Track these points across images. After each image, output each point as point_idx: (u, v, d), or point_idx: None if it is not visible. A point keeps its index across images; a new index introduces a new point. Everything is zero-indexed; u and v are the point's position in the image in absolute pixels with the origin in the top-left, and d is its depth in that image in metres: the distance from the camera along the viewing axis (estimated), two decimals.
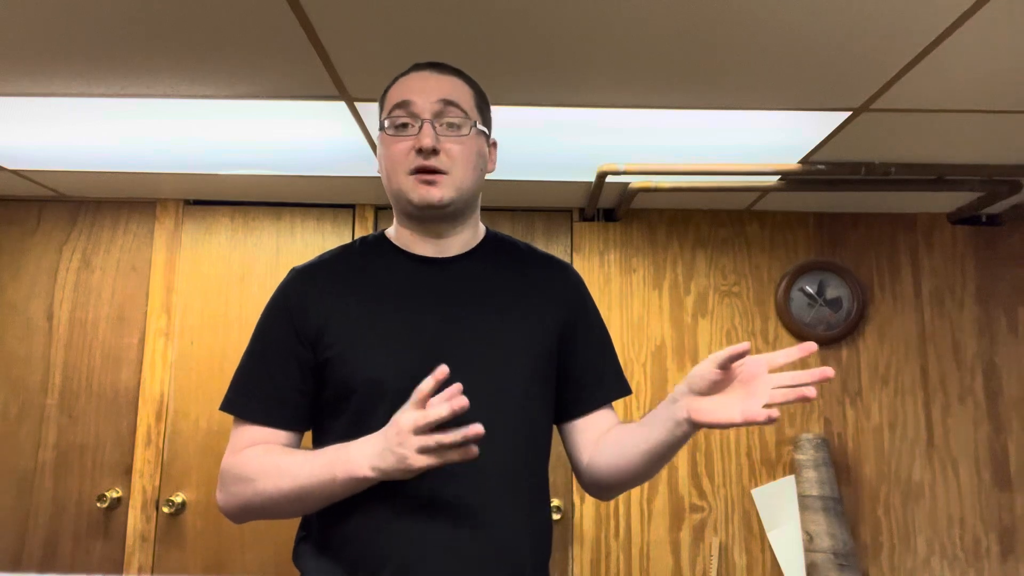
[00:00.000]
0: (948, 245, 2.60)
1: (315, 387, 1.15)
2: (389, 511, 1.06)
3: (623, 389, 1.27)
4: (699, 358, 2.54)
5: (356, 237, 2.58)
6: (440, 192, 1.11)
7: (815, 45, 1.45)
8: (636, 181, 2.28)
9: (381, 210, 2.66)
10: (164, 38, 1.46)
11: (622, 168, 2.14)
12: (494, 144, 1.26)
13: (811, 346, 0.96)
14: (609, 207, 2.61)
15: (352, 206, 2.65)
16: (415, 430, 0.95)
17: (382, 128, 1.16)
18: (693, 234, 2.62)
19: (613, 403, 1.27)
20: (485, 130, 1.20)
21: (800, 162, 2.13)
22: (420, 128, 1.11)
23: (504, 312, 1.17)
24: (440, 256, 1.19)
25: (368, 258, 1.21)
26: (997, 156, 2.06)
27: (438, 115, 1.12)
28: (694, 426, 1.01)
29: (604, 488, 1.21)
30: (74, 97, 1.75)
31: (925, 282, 2.58)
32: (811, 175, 2.17)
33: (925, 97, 1.68)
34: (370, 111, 1.82)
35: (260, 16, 1.37)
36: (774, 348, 2.55)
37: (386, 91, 1.20)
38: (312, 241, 2.63)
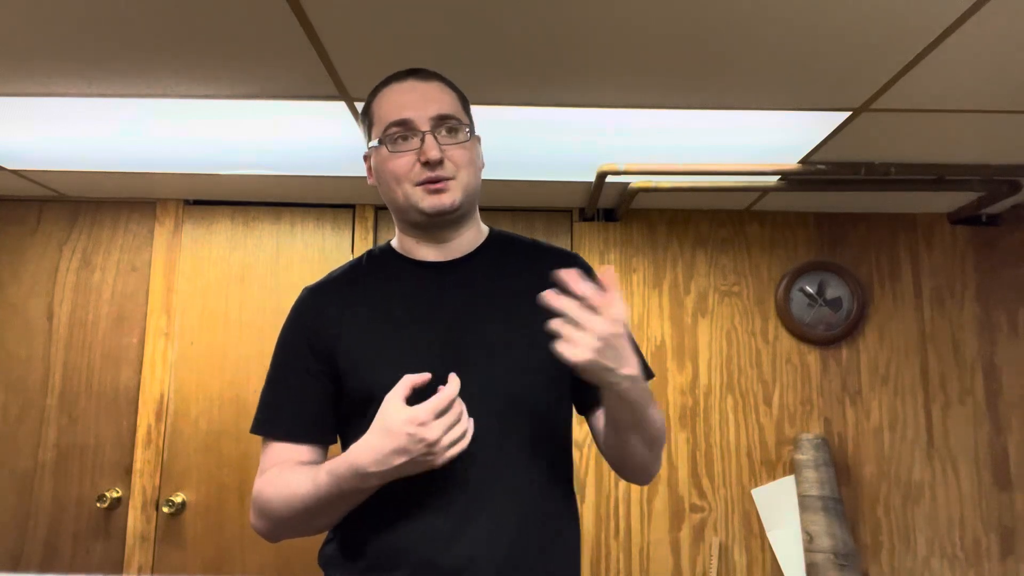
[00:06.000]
0: (948, 245, 2.60)
1: (336, 399, 1.18)
2: (406, 508, 1.08)
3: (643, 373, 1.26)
4: (699, 358, 2.54)
5: (354, 238, 2.61)
6: (451, 197, 1.14)
7: (815, 45, 1.45)
8: (636, 181, 2.28)
9: (381, 210, 2.66)
10: (164, 38, 1.46)
11: (622, 168, 2.14)
12: (478, 139, 1.27)
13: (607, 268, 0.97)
14: (609, 207, 2.61)
15: (352, 206, 2.65)
16: (444, 429, 0.99)
17: (378, 144, 1.17)
18: (693, 234, 2.62)
19: None
20: (477, 134, 1.22)
21: (800, 162, 2.13)
22: (422, 140, 1.13)
23: (513, 309, 1.18)
24: (445, 260, 1.21)
25: (376, 271, 1.24)
26: (997, 156, 2.06)
27: (436, 125, 1.14)
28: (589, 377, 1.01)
29: (620, 470, 1.22)
30: (74, 97, 1.75)
31: (925, 282, 2.58)
32: (811, 175, 2.17)
33: (925, 97, 1.68)
34: None
35: (260, 16, 1.37)
36: (774, 348, 2.55)
37: (369, 106, 1.21)
38: (312, 241, 2.63)
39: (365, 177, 2.33)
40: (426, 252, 1.21)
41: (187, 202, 2.65)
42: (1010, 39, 1.41)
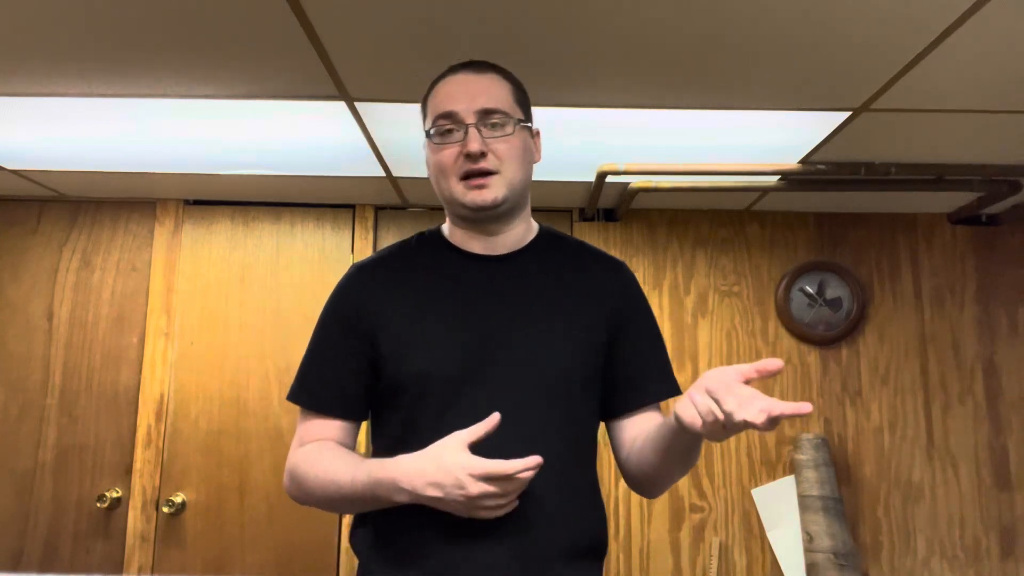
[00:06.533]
0: (948, 245, 2.60)
1: (373, 379, 1.19)
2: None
3: (671, 390, 1.26)
4: (699, 358, 2.54)
5: (354, 238, 2.60)
6: (492, 193, 1.14)
7: (815, 45, 1.45)
8: (636, 181, 2.28)
9: (381, 210, 2.66)
10: (164, 38, 1.46)
11: (622, 168, 2.14)
12: (537, 133, 1.27)
13: (776, 363, 0.92)
14: (609, 207, 2.61)
15: (352, 206, 2.65)
16: (485, 494, 0.99)
17: (428, 136, 1.18)
18: (693, 234, 2.62)
19: (661, 404, 1.26)
20: (528, 124, 1.22)
21: (800, 162, 2.13)
22: (465, 133, 1.13)
23: (552, 310, 1.19)
24: (492, 253, 1.22)
25: (423, 255, 1.25)
26: (997, 156, 2.06)
27: (481, 119, 1.14)
28: (680, 422, 0.98)
29: (640, 485, 1.22)
30: (74, 97, 1.75)
31: (925, 282, 2.58)
32: (811, 175, 2.17)
33: (925, 97, 1.68)
34: (370, 111, 1.82)
35: (260, 16, 1.37)
36: (774, 348, 2.55)
37: (426, 98, 1.22)
38: (312, 241, 2.63)
39: (365, 177, 2.36)
40: (475, 244, 1.22)
41: (187, 202, 2.65)
42: (1010, 39, 1.41)
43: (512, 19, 1.38)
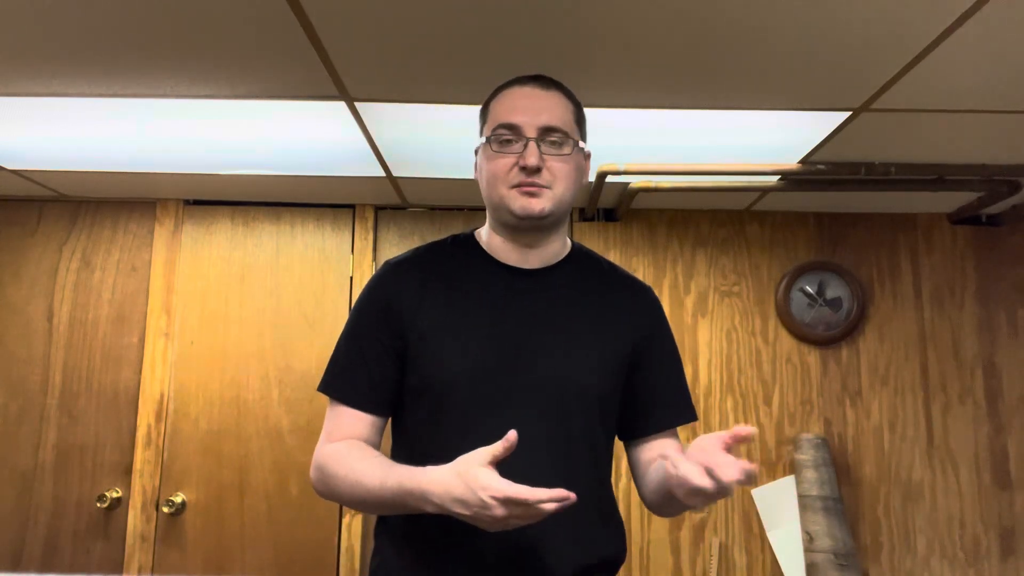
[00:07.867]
0: (948, 245, 2.60)
1: (401, 375, 1.21)
2: None
3: (687, 415, 1.32)
4: (699, 358, 2.54)
5: (354, 238, 2.60)
6: (541, 204, 1.16)
7: (815, 45, 1.46)
8: (636, 181, 2.28)
9: (381, 210, 2.66)
10: (164, 38, 1.46)
11: (622, 168, 2.14)
12: (588, 155, 1.29)
13: (749, 430, 1.00)
14: (609, 207, 2.61)
15: (352, 206, 2.65)
16: (504, 513, 0.98)
17: (486, 141, 1.21)
18: (693, 234, 2.62)
19: (678, 428, 1.32)
20: (584, 146, 1.24)
21: (800, 162, 2.13)
22: (525, 147, 1.16)
23: (579, 327, 1.21)
24: (527, 267, 1.23)
25: (458, 259, 1.26)
26: (997, 156, 2.06)
27: (542, 135, 1.17)
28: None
29: (654, 509, 1.28)
30: (74, 97, 1.75)
31: (925, 282, 2.58)
32: (811, 175, 2.17)
33: (925, 97, 1.68)
34: (370, 111, 1.82)
35: (260, 16, 1.37)
36: (774, 348, 2.55)
37: (488, 103, 1.24)
38: (312, 241, 2.63)
39: (365, 177, 2.35)
40: (511, 255, 1.23)
41: (187, 202, 2.65)
42: (1010, 39, 1.41)
43: (511, 19, 1.38)
